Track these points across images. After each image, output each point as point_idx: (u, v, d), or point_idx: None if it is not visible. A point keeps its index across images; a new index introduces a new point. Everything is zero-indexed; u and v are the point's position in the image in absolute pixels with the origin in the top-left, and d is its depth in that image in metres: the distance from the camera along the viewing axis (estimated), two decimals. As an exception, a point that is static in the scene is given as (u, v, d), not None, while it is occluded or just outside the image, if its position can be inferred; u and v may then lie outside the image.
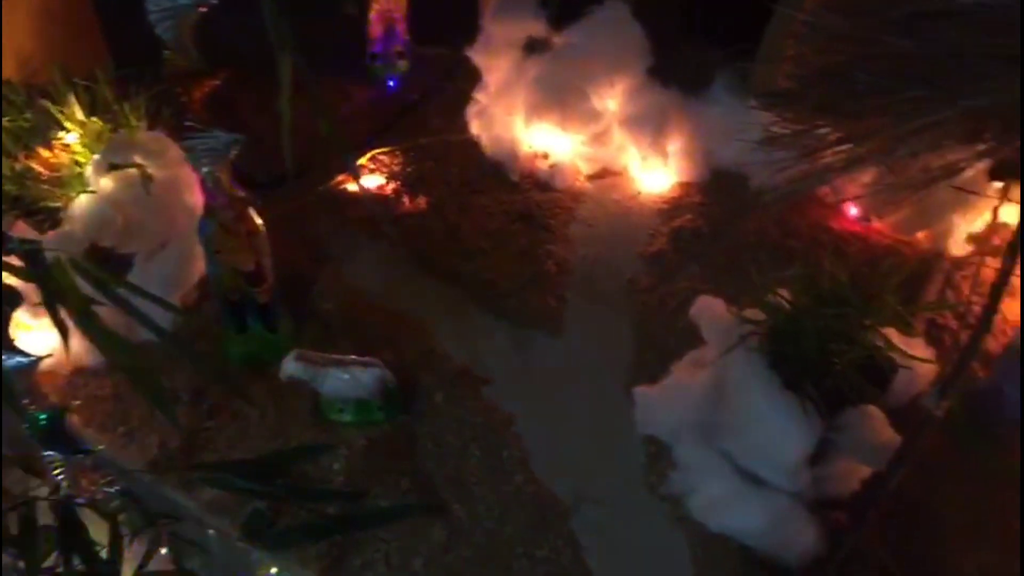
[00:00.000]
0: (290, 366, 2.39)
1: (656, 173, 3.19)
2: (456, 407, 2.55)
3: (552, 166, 3.20)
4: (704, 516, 2.26)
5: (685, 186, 3.19)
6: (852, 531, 2.18)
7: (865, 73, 1.75)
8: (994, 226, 2.87)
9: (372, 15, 3.52)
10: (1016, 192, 2.20)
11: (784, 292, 2.26)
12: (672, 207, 3.13)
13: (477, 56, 3.26)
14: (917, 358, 2.20)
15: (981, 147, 1.67)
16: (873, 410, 2.16)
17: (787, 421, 2.11)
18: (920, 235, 2.92)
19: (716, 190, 3.15)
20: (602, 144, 3.19)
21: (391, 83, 3.62)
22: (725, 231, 2.95)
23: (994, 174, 1.64)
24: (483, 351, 2.72)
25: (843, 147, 1.76)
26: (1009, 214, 2.82)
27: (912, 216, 2.88)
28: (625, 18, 3.05)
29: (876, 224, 2.98)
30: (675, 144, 3.14)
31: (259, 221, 2.53)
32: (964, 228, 2.84)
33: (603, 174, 3.27)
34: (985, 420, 2.33)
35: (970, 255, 2.83)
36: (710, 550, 2.24)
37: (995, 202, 2.77)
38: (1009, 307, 2.68)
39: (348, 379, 2.40)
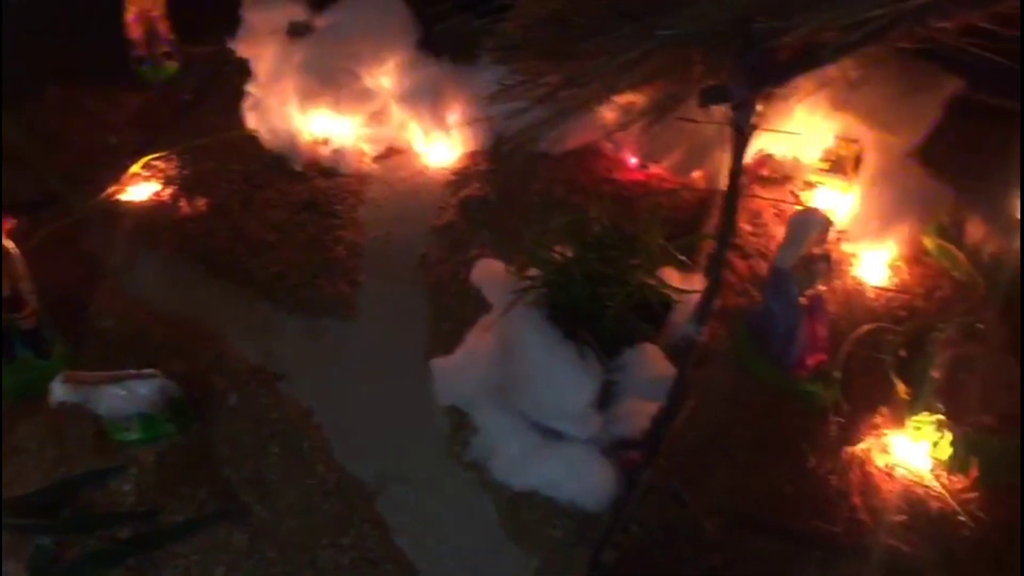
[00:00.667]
0: (58, 390, 2.26)
1: (440, 146, 3.17)
2: (251, 407, 2.48)
3: (335, 151, 3.14)
4: (506, 476, 2.27)
5: (471, 155, 3.18)
6: (645, 467, 2.23)
7: (580, 16, 1.77)
8: (760, 157, 3.00)
9: (129, 17, 3.35)
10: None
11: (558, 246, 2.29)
12: (459, 178, 3.11)
13: (242, 48, 3.16)
14: (686, 291, 2.26)
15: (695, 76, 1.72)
16: (649, 347, 2.21)
17: (567, 370, 2.14)
18: (696, 175, 3.00)
19: (501, 156, 3.16)
20: (381, 123, 3.15)
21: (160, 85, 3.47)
22: (511, 195, 2.96)
23: (702, 100, 1.69)
24: (277, 346, 2.65)
25: (569, 90, 1.77)
26: (769, 143, 2.95)
27: (684, 158, 2.96)
28: (384, -6, 3.02)
29: (655, 170, 3.05)
30: (455, 115, 3.13)
31: (9, 244, 2.37)
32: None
33: (388, 153, 3.23)
34: (760, 340, 2.42)
35: (742, 191, 2.93)
36: (517, 509, 2.25)
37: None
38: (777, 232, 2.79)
39: (126, 395, 2.29)
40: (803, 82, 2.76)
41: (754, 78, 1.57)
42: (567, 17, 1.81)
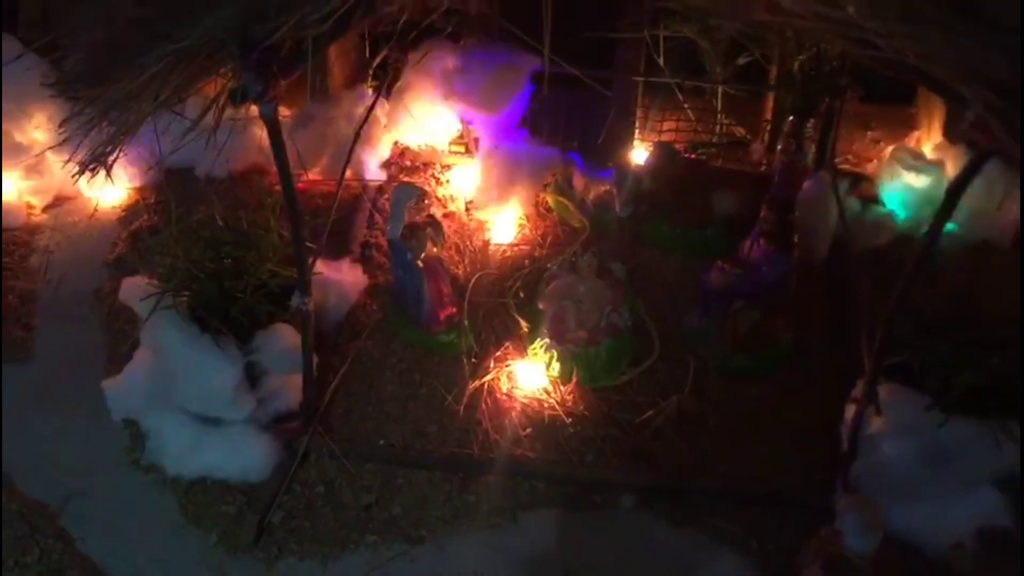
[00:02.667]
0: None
1: (108, 187, 3.32)
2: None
3: (-1, 208, 3.24)
4: (178, 469, 2.48)
5: (140, 190, 3.35)
6: (303, 435, 2.50)
7: (120, 43, 2.02)
8: (399, 149, 3.34)
9: None
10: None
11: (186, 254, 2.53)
12: (130, 213, 3.29)
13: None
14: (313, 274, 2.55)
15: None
16: (280, 326, 2.49)
17: (207, 359, 2.38)
18: (349, 174, 3.31)
19: (168, 186, 3.34)
20: (40, 174, 3.27)
21: None
22: (180, 219, 3.16)
23: (231, 102, 1.96)
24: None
25: (117, 112, 2.01)
26: (404, 136, 3.30)
27: (330, 162, 3.25)
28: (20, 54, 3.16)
29: (312, 176, 3.33)
30: (124, 155, 3.29)
31: None
32: (375, 159, 3.26)
33: (58, 202, 3.35)
34: (401, 307, 2.75)
35: (387, 179, 3.26)
36: (193, 495, 2.47)
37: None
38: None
39: None
40: (413, 78, 3.13)
41: (262, 74, 1.86)
42: (112, 44, 2.06)
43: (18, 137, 3.22)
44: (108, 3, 2.16)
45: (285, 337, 2.47)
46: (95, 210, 3.32)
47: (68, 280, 3.09)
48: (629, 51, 3.08)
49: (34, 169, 3.26)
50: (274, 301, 2.48)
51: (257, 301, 2.44)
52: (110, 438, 2.62)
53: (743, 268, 2.62)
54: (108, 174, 2.17)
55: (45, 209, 3.33)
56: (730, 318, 2.63)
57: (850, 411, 2.30)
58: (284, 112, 3.36)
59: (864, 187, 3.16)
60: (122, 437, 2.62)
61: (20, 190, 3.28)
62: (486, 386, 2.62)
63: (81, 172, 2.09)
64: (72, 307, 3.00)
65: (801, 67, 2.95)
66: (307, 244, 2.56)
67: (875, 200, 3.13)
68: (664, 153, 3.04)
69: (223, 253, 2.45)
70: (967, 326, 2.27)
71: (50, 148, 3.23)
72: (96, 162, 2.08)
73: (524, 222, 3.13)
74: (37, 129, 3.26)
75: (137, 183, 3.36)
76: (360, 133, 2.83)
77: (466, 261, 2.97)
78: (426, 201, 2.67)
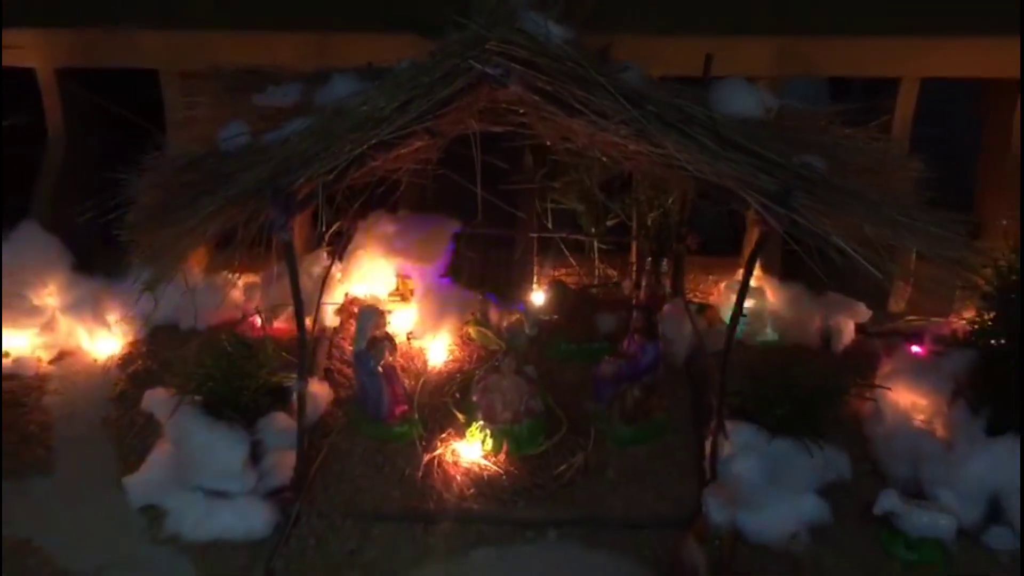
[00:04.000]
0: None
1: (106, 341, 4.02)
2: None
3: (14, 360, 3.88)
4: (194, 536, 3.09)
5: (133, 343, 4.06)
6: (295, 501, 3.17)
7: (178, 194, 2.87)
8: (349, 298, 4.19)
9: None
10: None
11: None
12: (127, 360, 3.98)
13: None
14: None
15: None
16: (278, 415, 3.22)
17: (222, 439, 3.07)
18: (308, 320, 4.12)
19: (157, 337, 4.07)
20: (52, 330, 3.97)
21: None
22: (168, 361, 3.86)
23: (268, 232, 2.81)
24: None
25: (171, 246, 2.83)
26: (353, 287, 4.16)
27: (284, 311, 4.04)
28: (39, 234, 3.95)
29: (278, 325, 4.10)
30: (113, 315, 4.03)
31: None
32: (331, 308, 4.09)
33: (61, 356, 4.02)
34: (363, 409, 3.50)
35: (341, 324, 4.08)
36: (206, 555, 3.07)
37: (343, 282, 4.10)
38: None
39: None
40: (361, 241, 4.04)
41: (285, 210, 2.72)
42: (165, 203, 2.90)
43: (35, 301, 3.93)
44: (160, 171, 3.05)
45: (281, 422, 3.20)
46: (95, 361, 4.00)
47: (78, 413, 3.72)
48: (527, 214, 4.11)
49: (46, 327, 3.96)
50: (272, 395, 3.22)
51: (260, 395, 3.19)
52: (132, 521, 3.20)
53: (624, 358, 3.51)
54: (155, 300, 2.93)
55: (51, 361, 3.99)
56: (618, 398, 3.49)
57: (707, 446, 3.16)
58: (253, 276, 4.21)
59: (708, 312, 4.16)
60: (141, 520, 3.21)
61: (33, 345, 3.95)
62: (436, 459, 3.36)
63: (141, 291, 2.81)
64: (84, 431, 3.62)
65: (654, 222, 4.01)
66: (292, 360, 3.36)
67: (718, 320, 4.12)
68: (558, 289, 4.00)
69: (231, 360, 3.20)
70: (782, 377, 3.21)
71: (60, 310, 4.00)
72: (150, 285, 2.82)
73: (453, 348, 3.97)
74: (50, 296, 3.99)
75: (130, 338, 4.08)
76: (323, 288, 3.74)
77: (410, 376, 3.77)
78: (383, 320, 3.50)
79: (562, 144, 3.05)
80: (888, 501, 2.99)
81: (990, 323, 3.38)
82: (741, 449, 3.03)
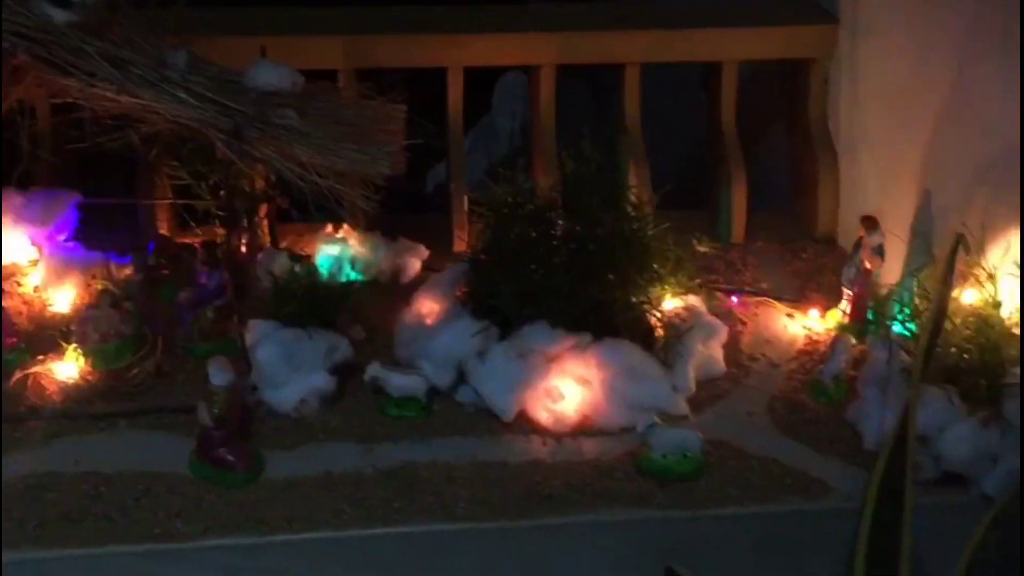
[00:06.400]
0: None
1: None
2: None
3: None
4: None
5: None
6: None
7: None
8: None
9: None
10: None
11: None
12: None
13: None
14: None
15: None
16: None
17: None
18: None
19: None
20: None
21: None
22: None
23: None
24: None
25: None
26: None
27: None
28: None
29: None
30: None
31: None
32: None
33: None
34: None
35: None
36: None
37: None
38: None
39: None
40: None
41: None
42: None
43: None
44: None
45: None
46: None
47: None
48: (147, 184, 4.92)
49: None
50: None
51: None
52: None
53: (197, 287, 4.35)
54: None
55: None
56: (195, 319, 4.32)
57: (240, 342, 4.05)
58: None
59: (304, 260, 5.05)
60: None
61: None
62: (32, 375, 4.08)
63: None
64: None
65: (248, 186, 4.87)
66: None
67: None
68: (163, 240, 4.81)
69: None
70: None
71: None
72: None
73: (76, 299, 4.70)
74: None
75: None
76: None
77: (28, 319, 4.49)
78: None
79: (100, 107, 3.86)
80: (373, 369, 3.93)
81: (481, 244, 4.37)
82: (259, 340, 3.91)
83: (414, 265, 5.02)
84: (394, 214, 5.38)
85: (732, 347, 4.41)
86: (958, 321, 3.54)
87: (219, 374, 3.56)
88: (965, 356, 3.51)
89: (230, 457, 3.56)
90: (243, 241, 4.89)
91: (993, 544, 2.47)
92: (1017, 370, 3.20)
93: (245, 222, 4.87)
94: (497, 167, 4.37)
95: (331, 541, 3.34)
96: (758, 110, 5.94)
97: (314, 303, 4.04)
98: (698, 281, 4.49)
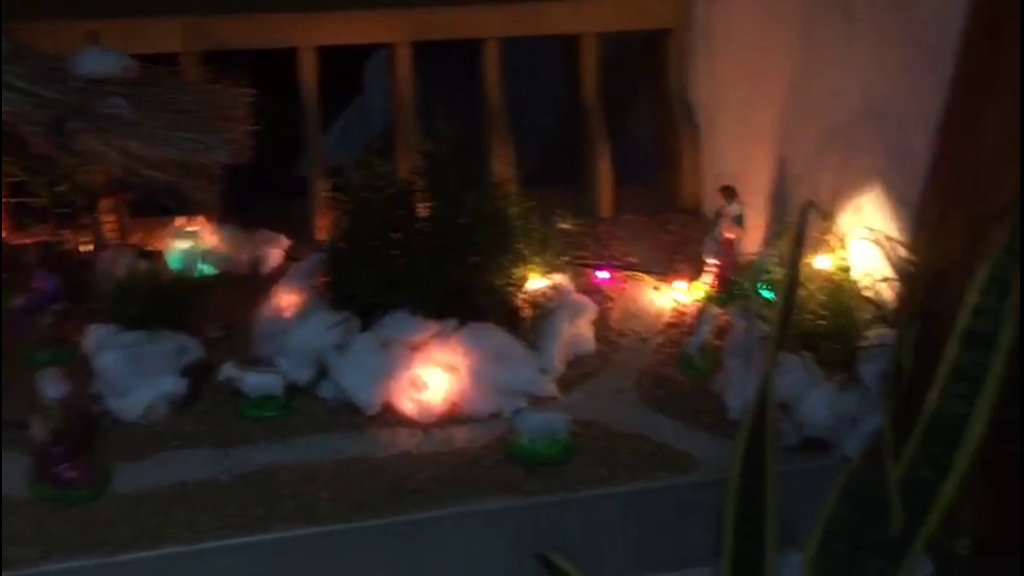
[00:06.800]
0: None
1: None
2: None
3: None
4: None
5: None
6: None
7: None
8: None
9: None
10: None
11: None
12: None
13: None
14: None
15: None
16: None
17: None
18: None
19: None
20: None
21: None
22: None
23: None
24: None
25: None
26: None
27: None
28: None
29: None
30: None
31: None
32: None
33: None
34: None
35: None
36: None
37: None
38: None
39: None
40: None
41: None
42: None
43: None
44: None
45: None
46: None
47: None
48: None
49: None
50: None
51: None
52: None
53: (31, 291, 4.05)
54: None
55: None
56: (33, 327, 4.03)
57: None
58: None
59: (156, 256, 4.78)
60: None
61: None
62: None
63: None
64: None
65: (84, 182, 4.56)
66: None
67: (163, 262, 4.75)
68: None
69: None
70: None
71: None
72: None
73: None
74: None
75: None
76: None
77: None
78: None
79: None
80: (227, 369, 3.73)
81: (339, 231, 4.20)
82: (99, 345, 3.66)
83: (274, 255, 4.82)
84: (264, 201, 5.18)
85: (601, 324, 4.36)
86: (812, 287, 3.55)
87: (52, 386, 3.31)
88: (821, 322, 3.51)
89: (71, 473, 3.31)
90: (86, 239, 4.59)
91: (846, 511, 2.48)
92: (871, 333, 3.20)
93: (86, 219, 4.57)
94: (373, 146, 4.16)
95: (184, 556, 3.14)
96: (623, 83, 5.91)
97: (160, 302, 3.80)
98: (565, 259, 4.43)
